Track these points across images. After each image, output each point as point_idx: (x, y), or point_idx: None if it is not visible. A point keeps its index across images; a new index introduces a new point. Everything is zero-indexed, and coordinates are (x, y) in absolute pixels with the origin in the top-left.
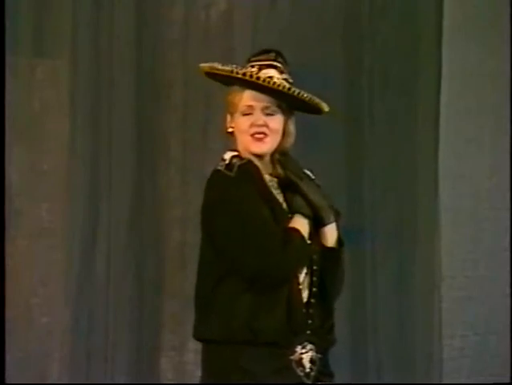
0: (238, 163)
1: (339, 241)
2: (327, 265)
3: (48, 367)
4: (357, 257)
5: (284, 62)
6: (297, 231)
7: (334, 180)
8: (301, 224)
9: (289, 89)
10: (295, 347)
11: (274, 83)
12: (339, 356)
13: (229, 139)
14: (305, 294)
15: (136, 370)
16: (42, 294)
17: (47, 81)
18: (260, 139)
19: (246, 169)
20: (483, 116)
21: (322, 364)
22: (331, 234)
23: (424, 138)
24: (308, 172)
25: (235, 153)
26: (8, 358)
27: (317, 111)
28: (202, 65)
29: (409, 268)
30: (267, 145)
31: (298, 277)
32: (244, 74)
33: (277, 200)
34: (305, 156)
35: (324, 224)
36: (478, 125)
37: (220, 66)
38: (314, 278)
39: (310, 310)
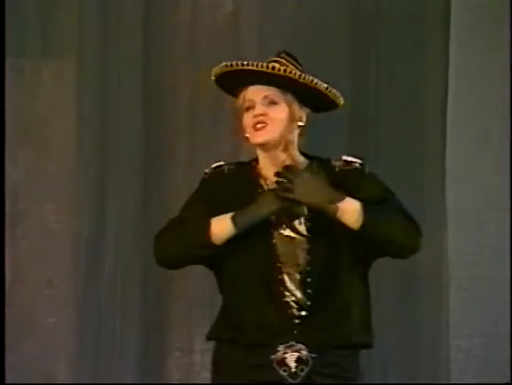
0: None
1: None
2: (368, 242)
3: (55, 368)
4: None
5: (291, 58)
6: (202, 224)
7: None
8: (216, 220)
9: (284, 71)
10: (277, 347)
11: (268, 66)
12: None
13: (240, 142)
14: (298, 295)
15: (143, 370)
16: (48, 295)
17: (54, 82)
18: (259, 129)
19: (214, 173)
20: (490, 116)
21: (319, 365)
22: (346, 219)
23: (432, 138)
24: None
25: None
26: (15, 358)
27: (326, 100)
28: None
29: (416, 268)
30: (267, 134)
31: (283, 279)
32: (237, 64)
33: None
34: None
35: (333, 215)
36: (485, 125)
37: (216, 67)
38: (309, 279)
39: (302, 313)
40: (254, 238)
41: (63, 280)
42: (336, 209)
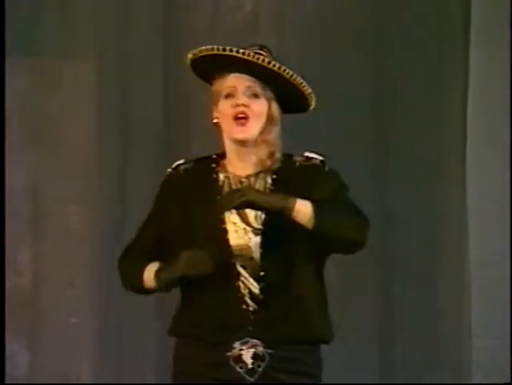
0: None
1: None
2: (320, 240)
3: (77, 368)
4: (385, 257)
5: (270, 54)
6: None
7: (360, 181)
8: (148, 269)
9: (269, 63)
10: (233, 343)
11: (254, 56)
12: (367, 356)
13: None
14: (253, 290)
15: (164, 370)
16: (70, 295)
17: (74, 82)
18: (243, 124)
19: (171, 175)
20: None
21: (276, 360)
22: (300, 219)
23: (452, 138)
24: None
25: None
26: (37, 359)
27: (302, 101)
28: (188, 56)
29: (438, 268)
30: (250, 131)
31: (238, 274)
32: (224, 49)
33: (203, 206)
34: (332, 162)
35: (289, 215)
36: (505, 124)
37: (201, 48)
38: (262, 273)
39: (256, 307)
40: (208, 234)
41: (85, 280)
42: (292, 208)
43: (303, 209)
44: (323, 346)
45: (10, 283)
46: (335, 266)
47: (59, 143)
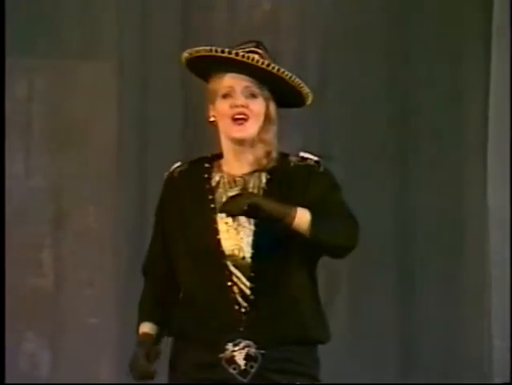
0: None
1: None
2: (314, 246)
3: (96, 368)
4: (406, 256)
5: (265, 51)
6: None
7: (381, 183)
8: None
9: (268, 65)
10: (226, 345)
11: (253, 58)
12: (387, 356)
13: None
14: (244, 290)
15: None
16: (89, 295)
17: (94, 83)
18: (241, 124)
19: (167, 179)
20: None
21: (269, 361)
22: (300, 228)
23: (473, 138)
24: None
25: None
26: (57, 358)
27: (299, 99)
28: (184, 54)
29: (459, 268)
30: (248, 130)
31: (230, 274)
32: (223, 51)
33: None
34: (353, 163)
35: (290, 225)
36: None
37: (198, 48)
38: (253, 274)
39: (248, 308)
40: (200, 234)
41: (105, 281)
42: (293, 216)
43: (303, 218)
44: (343, 346)
45: (31, 283)
46: (355, 266)
47: (80, 144)
